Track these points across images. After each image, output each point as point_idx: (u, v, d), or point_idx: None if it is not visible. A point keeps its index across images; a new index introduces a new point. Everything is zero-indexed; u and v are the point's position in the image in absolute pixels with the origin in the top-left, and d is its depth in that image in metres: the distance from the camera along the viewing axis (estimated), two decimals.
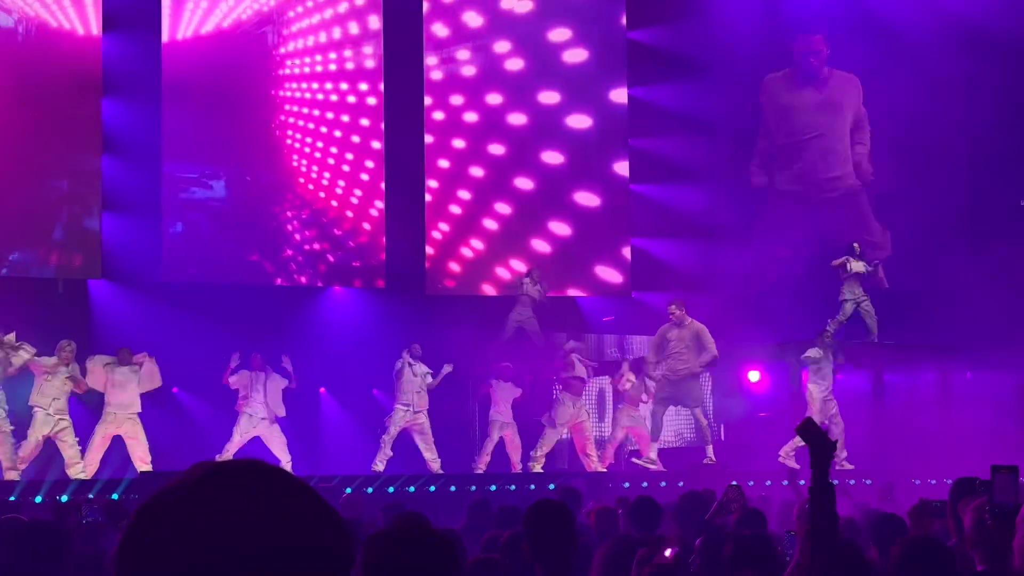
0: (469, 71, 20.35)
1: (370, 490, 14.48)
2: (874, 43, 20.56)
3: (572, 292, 20.21)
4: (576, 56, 20.63)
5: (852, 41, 20.71)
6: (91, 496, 12.55)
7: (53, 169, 17.97)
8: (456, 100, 20.21)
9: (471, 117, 20.20)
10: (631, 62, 20.69)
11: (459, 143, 20.13)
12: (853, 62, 20.87)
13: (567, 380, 16.67)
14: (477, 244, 20.13)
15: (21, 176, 17.57)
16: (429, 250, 19.80)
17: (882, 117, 20.81)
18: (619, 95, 20.64)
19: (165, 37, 18.50)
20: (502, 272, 19.92)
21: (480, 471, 16.36)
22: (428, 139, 19.92)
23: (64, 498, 13.09)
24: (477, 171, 20.21)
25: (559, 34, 20.59)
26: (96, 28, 18.10)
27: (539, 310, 18.01)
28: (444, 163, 20.10)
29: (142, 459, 15.16)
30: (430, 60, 20.15)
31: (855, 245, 18.28)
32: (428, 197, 19.86)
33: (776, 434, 16.27)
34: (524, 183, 20.27)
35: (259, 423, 16.11)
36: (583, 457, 16.63)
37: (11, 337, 14.68)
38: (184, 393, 17.70)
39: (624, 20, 20.77)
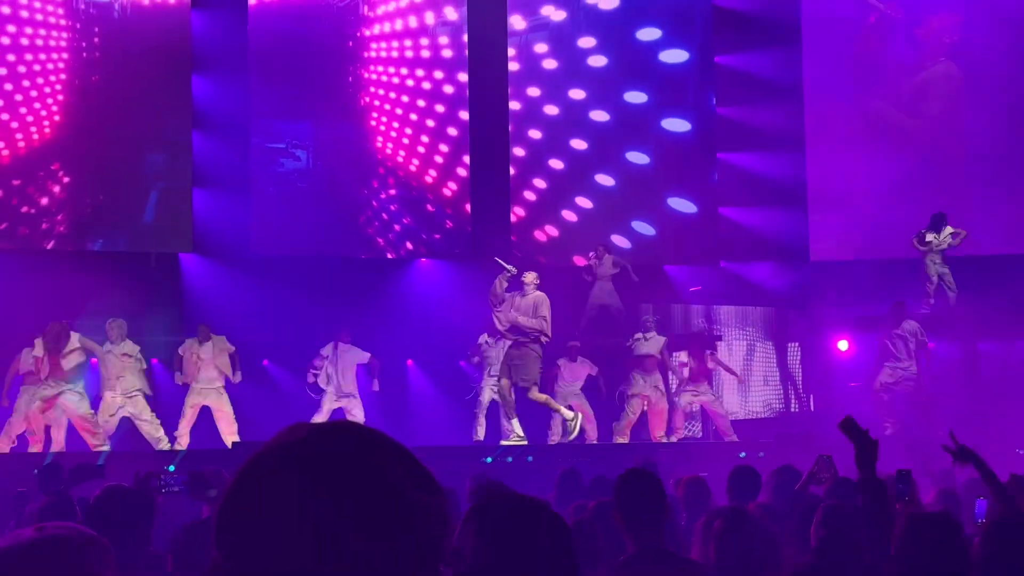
0: (550, 64, 20.46)
1: (489, 459, 14.52)
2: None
3: (628, 241, 20.22)
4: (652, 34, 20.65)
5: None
6: (171, 468, 12.69)
7: (148, 144, 18.24)
8: (533, 92, 20.32)
9: (551, 109, 20.35)
10: (717, 29, 20.52)
11: (536, 133, 20.20)
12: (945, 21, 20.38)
13: (635, 359, 16.68)
14: (568, 216, 20.24)
15: (117, 151, 17.86)
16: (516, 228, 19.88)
17: (974, 73, 20.33)
18: (664, 55, 20.66)
19: (252, 0, 18.69)
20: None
21: (553, 442, 16.37)
22: (531, 136, 20.11)
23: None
24: (572, 141, 20.23)
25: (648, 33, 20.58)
26: (186, 5, 18.30)
27: (620, 284, 18.03)
28: (535, 133, 20.20)
29: (228, 431, 15.41)
30: (540, 48, 20.24)
31: (943, 215, 17.93)
32: (512, 170, 19.97)
33: (866, 404, 16.06)
34: (602, 120, 20.38)
35: (340, 398, 16.34)
36: (653, 432, 16.58)
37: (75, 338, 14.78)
38: (273, 365, 17.91)
39: None
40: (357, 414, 16.42)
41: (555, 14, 20.58)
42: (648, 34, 20.76)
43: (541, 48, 20.50)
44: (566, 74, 20.48)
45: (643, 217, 20.48)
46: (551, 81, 20.45)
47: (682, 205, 20.65)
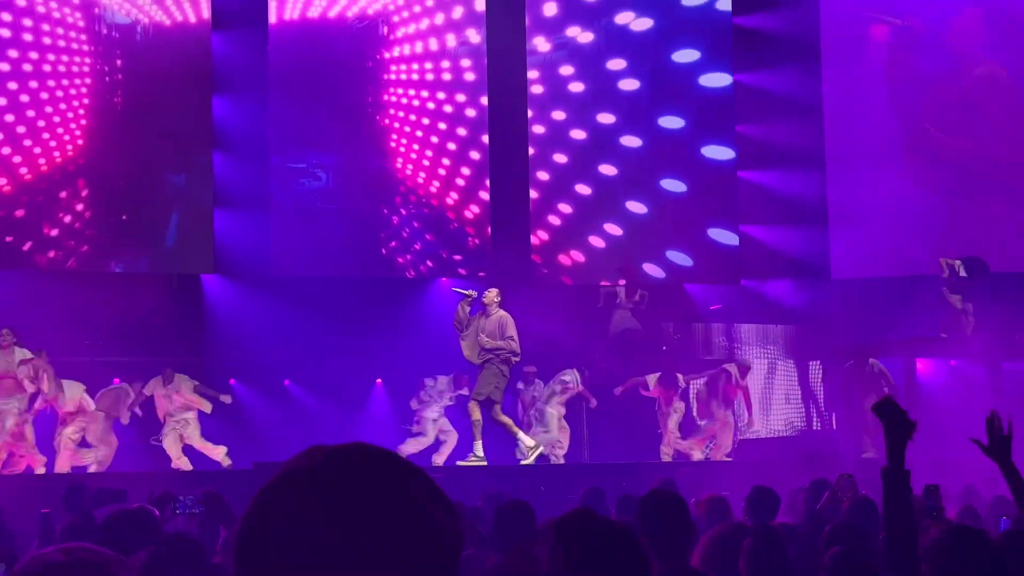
0: (577, 88, 20.37)
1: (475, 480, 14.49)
2: (992, 17, 20.04)
3: (663, 270, 20.16)
4: (687, 56, 20.52)
5: (962, 14, 20.17)
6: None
7: (169, 165, 18.36)
8: (558, 115, 20.24)
9: (578, 134, 20.25)
10: (737, 48, 20.48)
11: (561, 157, 20.20)
12: (966, 38, 20.30)
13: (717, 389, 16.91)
14: (595, 241, 20.18)
15: (138, 172, 17.98)
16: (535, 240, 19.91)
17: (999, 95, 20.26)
18: (724, 80, 20.48)
19: (272, 18, 18.79)
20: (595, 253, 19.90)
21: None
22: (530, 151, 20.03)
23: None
24: (585, 139, 20.22)
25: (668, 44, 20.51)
26: (207, 26, 18.43)
27: (639, 313, 18.05)
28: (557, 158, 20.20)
29: (209, 452, 15.74)
30: (531, 74, 20.20)
31: (986, 266, 17.54)
32: (534, 194, 19.95)
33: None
34: (609, 170, 20.28)
35: (437, 422, 16.69)
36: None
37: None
38: (295, 386, 17.95)
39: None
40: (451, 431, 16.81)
41: (581, 36, 20.34)
42: (685, 56, 20.39)
43: (567, 70, 20.30)
44: (594, 97, 20.25)
45: (680, 247, 20.12)
46: (577, 104, 20.24)
47: (724, 236, 20.22)
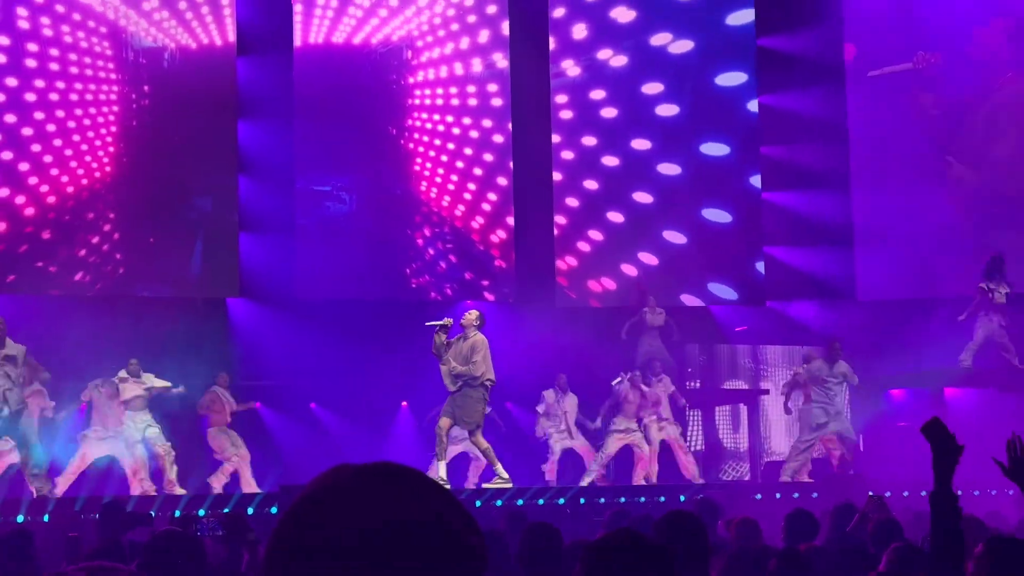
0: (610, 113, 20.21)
1: (499, 502, 14.45)
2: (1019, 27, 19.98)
3: (703, 302, 20.02)
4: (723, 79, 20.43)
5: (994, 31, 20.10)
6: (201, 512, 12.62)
7: (195, 189, 18.45)
8: (589, 141, 20.10)
9: (610, 160, 20.12)
10: (760, 70, 20.44)
11: (591, 184, 20.16)
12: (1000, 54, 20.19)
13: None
14: (627, 269, 20.02)
15: (165, 196, 18.07)
16: (562, 264, 19.88)
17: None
18: (751, 104, 20.40)
19: (297, 43, 18.85)
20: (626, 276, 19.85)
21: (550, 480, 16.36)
22: (557, 176, 19.90)
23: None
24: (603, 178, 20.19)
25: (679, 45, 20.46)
26: (232, 51, 18.55)
27: (667, 335, 17.97)
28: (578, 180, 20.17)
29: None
30: (560, 99, 20.13)
31: (1001, 259, 17.25)
32: (561, 220, 19.89)
33: (915, 444, 15.85)
34: (644, 197, 20.22)
35: (564, 439, 16.54)
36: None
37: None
38: (320, 408, 17.97)
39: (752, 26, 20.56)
40: (585, 442, 16.63)
41: (614, 59, 20.11)
42: (731, 79, 20.15)
43: (598, 94, 20.07)
44: (627, 122, 19.99)
45: (723, 279, 19.94)
46: (609, 130, 19.99)
47: (761, 264, 20.01)
